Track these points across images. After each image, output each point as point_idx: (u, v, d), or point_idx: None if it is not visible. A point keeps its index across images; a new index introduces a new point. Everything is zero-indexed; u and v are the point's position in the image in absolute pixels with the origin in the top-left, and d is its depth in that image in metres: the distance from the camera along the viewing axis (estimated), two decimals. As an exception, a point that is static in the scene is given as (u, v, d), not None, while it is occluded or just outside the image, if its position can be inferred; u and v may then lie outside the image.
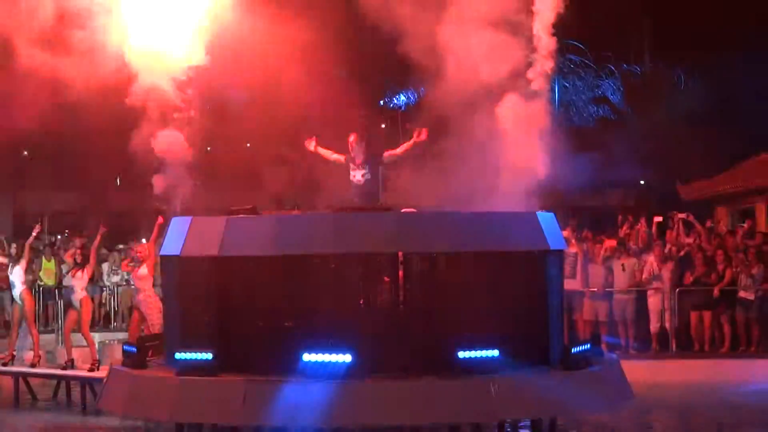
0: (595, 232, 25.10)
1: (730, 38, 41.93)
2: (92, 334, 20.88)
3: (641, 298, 22.73)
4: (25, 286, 20.86)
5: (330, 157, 17.24)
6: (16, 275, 20.75)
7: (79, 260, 20.30)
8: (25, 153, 40.18)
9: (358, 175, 16.88)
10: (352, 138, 17.01)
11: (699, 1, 43.58)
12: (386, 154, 17.26)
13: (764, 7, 39.23)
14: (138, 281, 19.92)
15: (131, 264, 20.68)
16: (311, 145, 17.34)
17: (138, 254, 20.35)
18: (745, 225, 26.85)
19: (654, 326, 22.66)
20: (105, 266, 26.90)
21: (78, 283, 19.98)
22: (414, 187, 19.13)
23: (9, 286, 21.13)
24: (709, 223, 25.77)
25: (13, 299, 21.03)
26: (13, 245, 21.71)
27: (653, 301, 22.63)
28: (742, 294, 22.33)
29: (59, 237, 32.72)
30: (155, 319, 19.22)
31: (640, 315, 22.72)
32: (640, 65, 47.08)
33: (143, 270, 19.80)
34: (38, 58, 17.57)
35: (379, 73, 37.80)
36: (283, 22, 19.53)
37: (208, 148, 41.72)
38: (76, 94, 18.08)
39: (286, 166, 37.85)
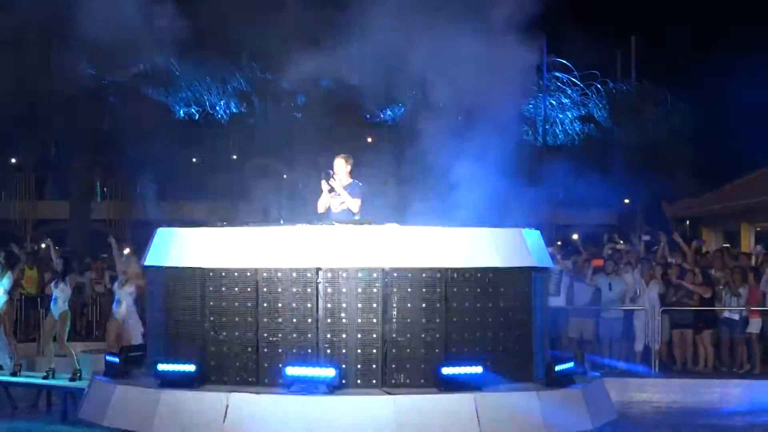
0: (582, 249, 25.10)
1: (716, 56, 42.11)
2: (74, 343, 20.75)
3: (628, 317, 22.71)
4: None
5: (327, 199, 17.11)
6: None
7: (59, 270, 20.23)
8: (13, 161, 40.19)
9: (335, 203, 16.86)
10: (339, 160, 16.98)
11: (685, 20, 43.81)
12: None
13: (749, 26, 39.47)
14: (123, 295, 20.00)
15: (122, 278, 20.57)
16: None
17: (128, 272, 20.31)
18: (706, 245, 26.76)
19: (638, 345, 22.65)
20: (88, 275, 26.78)
21: (61, 294, 19.92)
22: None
23: None
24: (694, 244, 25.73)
25: None
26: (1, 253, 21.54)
27: (638, 320, 22.61)
28: (726, 314, 22.34)
29: (42, 246, 32.60)
30: (135, 331, 19.28)
31: (626, 334, 22.70)
32: (627, 83, 47.19)
33: (130, 286, 19.92)
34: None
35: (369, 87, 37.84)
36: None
37: (195, 159, 41.82)
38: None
39: (272, 178, 37.86)
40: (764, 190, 33.41)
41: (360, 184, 17.02)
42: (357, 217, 16.66)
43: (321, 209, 16.97)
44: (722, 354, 22.49)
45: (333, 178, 16.84)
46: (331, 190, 16.85)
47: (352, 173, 17.09)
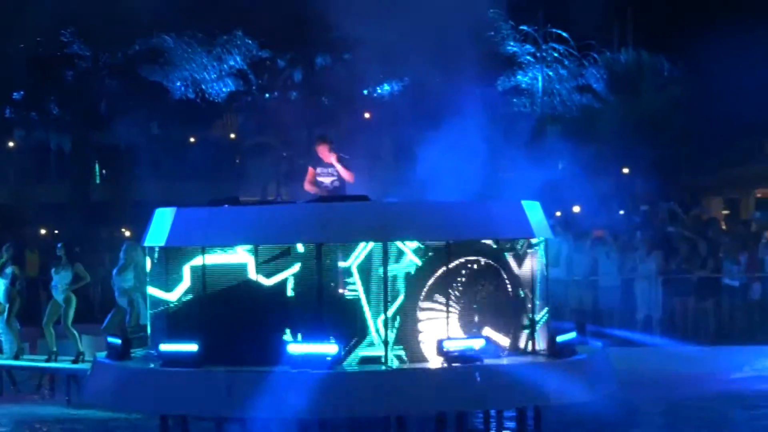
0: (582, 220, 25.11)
1: (714, 25, 41.97)
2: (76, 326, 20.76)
3: (628, 287, 22.69)
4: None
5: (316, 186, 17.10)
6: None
7: (62, 255, 20.21)
8: (11, 144, 40.14)
9: (327, 181, 16.84)
10: (321, 146, 16.96)
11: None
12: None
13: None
14: (119, 275, 19.99)
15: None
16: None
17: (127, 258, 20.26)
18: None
19: (639, 314, 22.63)
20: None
21: (61, 279, 19.92)
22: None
23: None
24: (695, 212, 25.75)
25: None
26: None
27: (639, 290, 22.60)
28: (727, 281, 22.33)
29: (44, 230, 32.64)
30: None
31: (626, 303, 22.69)
32: (624, 54, 47.09)
33: (129, 273, 19.91)
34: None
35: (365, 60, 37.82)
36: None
37: (192, 139, 41.81)
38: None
39: (269, 156, 37.88)
40: (763, 158, 33.44)
41: (347, 157, 17.00)
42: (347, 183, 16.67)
43: (309, 189, 16.97)
44: (723, 321, 22.50)
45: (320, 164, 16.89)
46: (321, 166, 16.87)
47: (337, 149, 17.07)
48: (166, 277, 15.93)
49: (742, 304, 22.31)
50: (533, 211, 16.27)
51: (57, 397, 19.98)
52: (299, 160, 17.63)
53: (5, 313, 20.58)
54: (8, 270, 20.71)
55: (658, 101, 43.30)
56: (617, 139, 39.08)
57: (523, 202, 16.14)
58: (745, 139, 36.75)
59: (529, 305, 15.94)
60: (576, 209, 29.55)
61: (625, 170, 41.04)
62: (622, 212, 25.49)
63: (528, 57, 46.54)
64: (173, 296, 15.75)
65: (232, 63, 42.82)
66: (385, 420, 15.39)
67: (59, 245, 20.61)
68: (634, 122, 41.63)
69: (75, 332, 19.95)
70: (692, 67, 43.61)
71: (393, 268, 14.88)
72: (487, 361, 14.73)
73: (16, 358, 20.62)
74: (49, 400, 19.95)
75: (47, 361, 20.11)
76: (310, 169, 16.91)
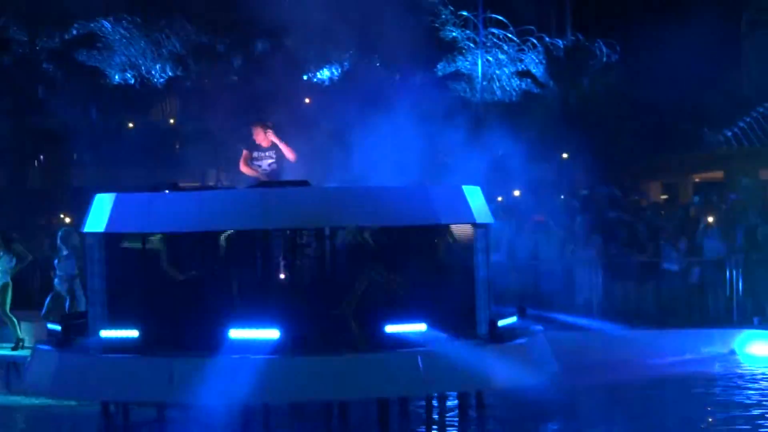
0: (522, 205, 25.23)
1: (653, 12, 42.32)
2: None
3: (568, 272, 22.82)
4: None
5: (252, 167, 17.08)
6: None
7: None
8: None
9: (264, 164, 16.84)
10: (256, 129, 16.96)
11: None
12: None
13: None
14: (61, 263, 19.83)
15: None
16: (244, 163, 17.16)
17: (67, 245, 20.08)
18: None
19: (580, 298, 22.77)
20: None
21: (1, 264, 19.78)
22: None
23: None
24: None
25: None
26: None
27: (580, 274, 22.74)
28: (666, 266, 22.52)
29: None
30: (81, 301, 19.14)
31: (566, 288, 22.81)
32: (562, 39, 47.33)
33: (65, 252, 19.73)
34: None
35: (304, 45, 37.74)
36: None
37: (131, 125, 41.54)
38: None
39: (209, 142, 37.72)
40: (701, 144, 33.78)
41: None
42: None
43: (245, 170, 16.95)
44: (663, 305, 22.68)
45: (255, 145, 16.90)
46: (258, 149, 16.87)
47: (276, 131, 17.07)
48: (106, 264, 15.86)
49: (681, 288, 22.50)
50: (474, 196, 16.32)
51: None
52: (238, 146, 17.61)
53: None
54: None
55: (596, 86, 43.59)
56: (557, 125, 39.30)
57: (464, 187, 16.19)
58: (685, 124, 37.06)
59: (470, 290, 16.00)
60: (516, 194, 29.71)
61: (565, 155, 41.28)
62: (562, 197, 25.62)
63: (468, 42, 46.63)
64: (113, 282, 15.69)
65: (171, 48, 42.58)
66: (328, 406, 15.45)
67: (-4, 230, 20.49)
68: (573, 107, 41.91)
69: (13, 318, 19.81)
70: (631, 53, 43.95)
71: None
72: (429, 346, 14.79)
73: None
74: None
75: (-15, 348, 19.97)
76: (245, 151, 16.93)
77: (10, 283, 19.82)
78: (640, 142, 37.79)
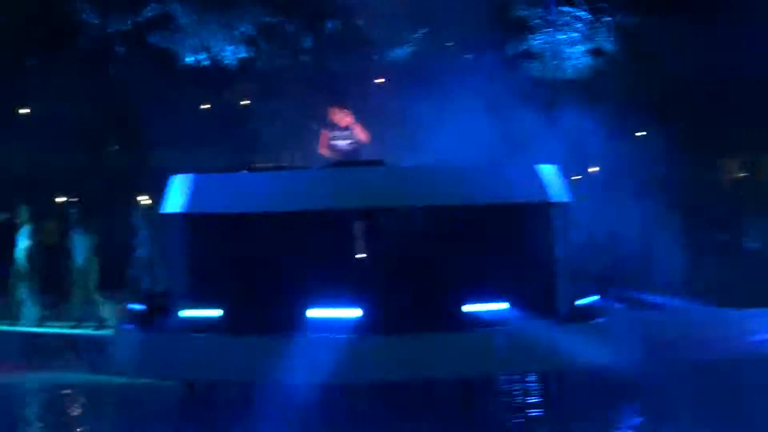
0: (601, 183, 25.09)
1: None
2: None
3: (649, 250, 22.67)
4: None
5: (330, 149, 17.08)
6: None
7: (78, 220, 20.27)
8: (26, 111, 40.07)
9: (341, 144, 16.85)
10: (332, 110, 16.96)
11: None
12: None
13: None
14: (139, 242, 20.01)
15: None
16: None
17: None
18: None
19: (662, 277, 22.55)
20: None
21: (81, 243, 19.97)
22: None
23: None
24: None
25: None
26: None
27: (660, 252, 22.57)
28: (749, 244, 22.32)
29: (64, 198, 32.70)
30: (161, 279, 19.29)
31: (648, 266, 22.67)
32: (635, 16, 46.84)
33: (143, 232, 19.88)
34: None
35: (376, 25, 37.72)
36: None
37: (204, 106, 41.78)
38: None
39: (283, 122, 37.81)
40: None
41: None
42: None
43: (324, 152, 16.98)
44: (746, 284, 22.41)
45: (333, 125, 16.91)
46: (334, 130, 16.88)
47: (352, 111, 17.09)
48: (185, 244, 15.99)
49: (763, 266, 22.28)
50: (550, 175, 16.27)
51: (81, 363, 20.05)
52: (314, 126, 17.65)
53: (27, 278, 20.70)
54: (26, 233, 20.76)
55: (673, 65, 43.10)
56: (634, 102, 38.92)
57: (540, 166, 16.15)
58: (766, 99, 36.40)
59: (550, 269, 15.96)
60: (594, 170, 29.53)
61: (644, 133, 40.90)
62: (641, 175, 25.39)
63: (538, 21, 46.35)
64: (193, 262, 15.81)
65: (243, 29, 42.72)
66: (410, 385, 15.50)
67: (73, 210, 20.70)
68: (650, 84, 41.45)
69: (98, 298, 20.04)
70: (709, 25, 43.28)
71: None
72: (509, 325, 14.77)
73: (40, 324, 20.72)
74: (73, 367, 20.01)
75: (71, 327, 20.19)
76: (323, 133, 16.97)
77: (95, 262, 20.02)
78: (720, 118, 37.24)
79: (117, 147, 39.96)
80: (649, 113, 37.41)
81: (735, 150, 36.77)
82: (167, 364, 15.24)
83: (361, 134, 16.74)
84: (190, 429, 15.01)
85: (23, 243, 20.65)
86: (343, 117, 16.85)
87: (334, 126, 16.91)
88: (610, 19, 45.39)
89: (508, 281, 15.34)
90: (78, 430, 15.60)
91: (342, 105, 17.11)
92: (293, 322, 14.86)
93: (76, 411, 17.24)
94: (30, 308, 20.85)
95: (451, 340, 14.64)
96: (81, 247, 19.92)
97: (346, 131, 16.89)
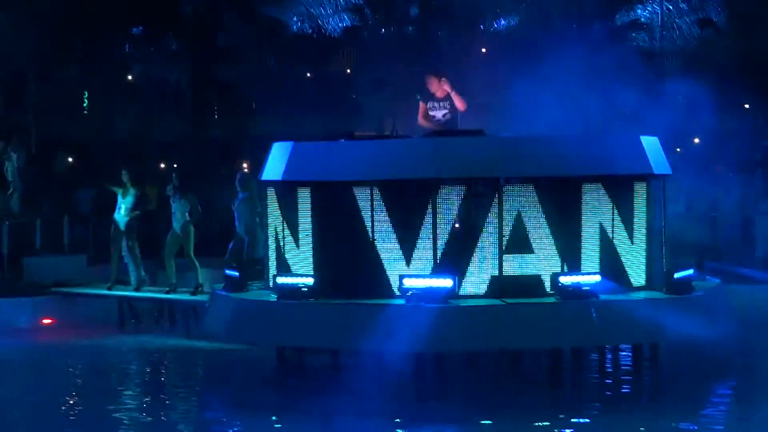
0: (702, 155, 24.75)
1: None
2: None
3: (747, 224, 22.34)
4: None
5: (428, 119, 16.98)
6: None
7: (176, 185, 20.34)
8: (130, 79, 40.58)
9: (438, 114, 16.73)
10: (430, 80, 16.81)
11: None
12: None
13: None
14: (239, 206, 20.00)
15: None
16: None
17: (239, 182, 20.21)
18: None
19: (760, 251, 22.21)
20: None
21: (180, 208, 20.08)
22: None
23: None
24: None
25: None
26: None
27: (760, 226, 22.20)
28: None
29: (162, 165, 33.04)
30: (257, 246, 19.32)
31: (745, 240, 22.35)
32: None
33: (242, 196, 19.82)
34: None
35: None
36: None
37: (308, 74, 41.92)
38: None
39: (385, 91, 37.82)
40: None
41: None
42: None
43: (423, 123, 16.89)
44: None
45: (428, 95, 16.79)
46: (432, 100, 16.77)
47: (450, 80, 16.94)
48: (282, 211, 16.07)
49: None
50: (652, 147, 16.07)
51: (176, 328, 20.27)
52: (414, 96, 17.55)
53: (126, 241, 20.92)
54: (130, 196, 20.95)
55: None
56: (739, 74, 38.24)
57: (642, 138, 15.95)
58: None
59: (647, 241, 15.79)
60: (696, 141, 29.13)
61: (746, 105, 40.23)
62: (742, 148, 25.00)
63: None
64: (289, 229, 15.89)
65: (348, -2, 42.76)
66: (499, 355, 15.45)
67: (174, 175, 20.81)
68: (757, 57, 40.69)
69: (196, 262, 20.18)
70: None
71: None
72: (603, 297, 14.65)
73: (137, 289, 20.94)
74: (168, 332, 20.24)
75: (167, 292, 20.37)
76: (421, 104, 16.87)
77: (192, 227, 20.13)
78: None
79: (218, 115, 40.32)
80: (757, 86, 36.78)
81: None
82: (260, 331, 15.31)
83: (459, 103, 16.63)
84: (284, 395, 15.08)
85: (125, 207, 20.81)
86: (440, 87, 16.74)
87: (431, 96, 16.82)
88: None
89: (602, 252, 15.20)
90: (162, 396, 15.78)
91: (439, 75, 16.97)
92: (386, 290, 14.89)
93: (162, 376, 17.49)
94: (129, 273, 21.06)
95: (546, 311, 14.53)
96: (180, 213, 20.03)
97: (443, 101, 16.79)
